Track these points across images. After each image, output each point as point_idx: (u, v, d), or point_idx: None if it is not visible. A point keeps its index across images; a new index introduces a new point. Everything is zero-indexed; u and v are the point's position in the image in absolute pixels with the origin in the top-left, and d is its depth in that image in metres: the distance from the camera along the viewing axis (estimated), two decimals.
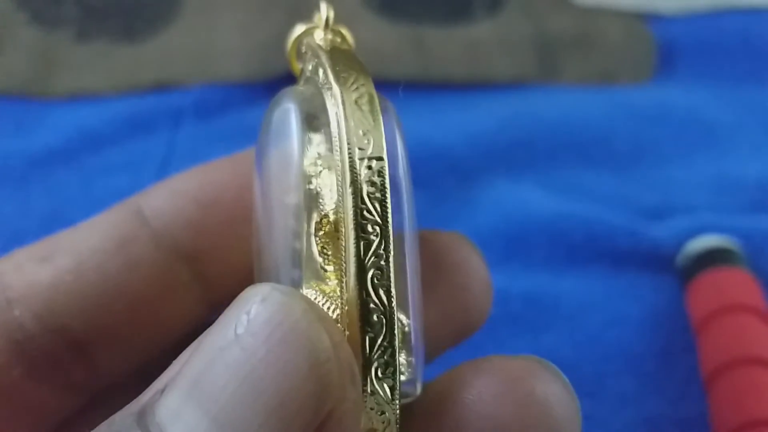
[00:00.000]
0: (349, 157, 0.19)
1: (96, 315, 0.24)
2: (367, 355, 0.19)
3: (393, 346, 0.19)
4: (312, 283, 0.21)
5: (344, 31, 0.24)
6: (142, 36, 0.60)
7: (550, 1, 0.62)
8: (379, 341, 0.19)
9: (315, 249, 0.22)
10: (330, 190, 0.21)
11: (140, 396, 0.18)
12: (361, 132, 0.19)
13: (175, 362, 0.19)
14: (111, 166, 0.51)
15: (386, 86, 0.23)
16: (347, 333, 0.19)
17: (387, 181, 0.19)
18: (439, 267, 0.25)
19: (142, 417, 0.17)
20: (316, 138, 0.22)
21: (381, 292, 0.19)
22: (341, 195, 0.19)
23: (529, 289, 0.45)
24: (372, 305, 0.19)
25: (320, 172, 0.22)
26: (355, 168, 0.19)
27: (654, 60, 0.59)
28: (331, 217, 0.21)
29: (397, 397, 0.20)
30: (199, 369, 0.17)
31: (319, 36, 0.23)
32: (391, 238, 0.19)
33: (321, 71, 0.21)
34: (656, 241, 0.47)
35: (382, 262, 0.19)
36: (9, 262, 0.24)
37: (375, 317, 0.19)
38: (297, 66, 0.25)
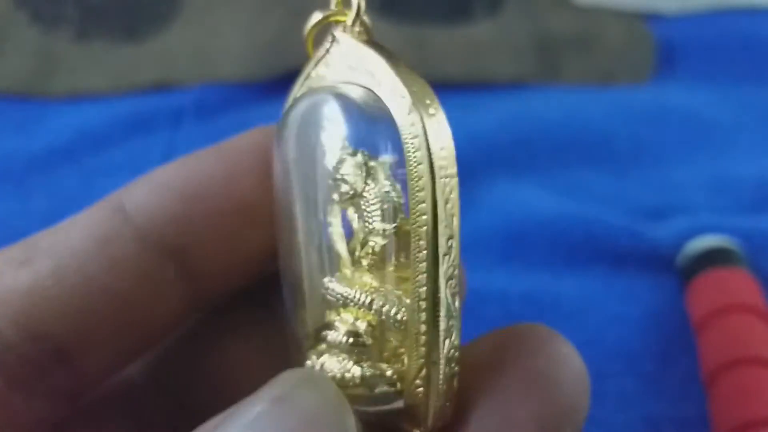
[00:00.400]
0: (431, 172, 0.20)
1: (78, 319, 0.23)
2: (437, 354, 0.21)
3: (458, 348, 0.21)
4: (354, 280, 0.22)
5: (366, 21, 0.23)
6: (142, 36, 0.60)
7: (550, 1, 0.63)
8: (448, 343, 0.21)
9: (340, 246, 0.22)
10: (373, 193, 0.22)
11: None
12: (439, 148, 0.20)
13: (202, 427, 0.19)
14: (111, 165, 0.51)
15: None
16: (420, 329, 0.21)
17: (458, 197, 0.21)
18: (528, 359, 0.22)
19: None
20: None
21: (457, 301, 0.21)
22: (423, 206, 0.20)
23: (529, 289, 0.45)
24: (445, 311, 0.21)
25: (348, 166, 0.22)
26: (436, 183, 0.20)
27: (654, 60, 0.59)
28: (399, 228, 0.22)
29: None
30: None
31: (346, 27, 0.23)
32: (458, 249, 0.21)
33: (385, 82, 0.22)
34: (656, 241, 0.47)
35: (456, 272, 0.21)
36: None
37: (448, 323, 0.21)
38: (312, 51, 0.24)
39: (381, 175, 0.22)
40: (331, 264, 0.22)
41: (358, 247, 0.22)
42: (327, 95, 0.22)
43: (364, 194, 0.22)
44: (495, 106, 0.55)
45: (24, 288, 0.22)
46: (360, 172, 0.22)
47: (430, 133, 0.20)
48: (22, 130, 0.54)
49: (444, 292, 0.21)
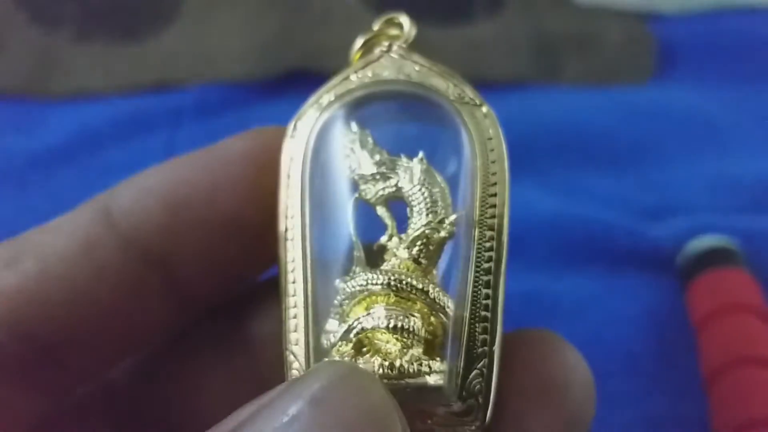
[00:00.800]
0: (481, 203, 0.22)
1: (64, 322, 0.23)
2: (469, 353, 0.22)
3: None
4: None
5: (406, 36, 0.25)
6: (142, 36, 0.60)
7: (549, 1, 0.63)
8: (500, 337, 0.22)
9: (359, 244, 0.22)
10: (416, 196, 0.23)
11: None
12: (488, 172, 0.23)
13: (227, 420, 0.18)
14: (111, 165, 0.51)
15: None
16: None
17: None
18: (539, 367, 0.23)
19: None
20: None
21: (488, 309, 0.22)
22: (493, 199, 0.23)
23: (529, 289, 0.46)
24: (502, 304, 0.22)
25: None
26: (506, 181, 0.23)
27: (654, 60, 0.59)
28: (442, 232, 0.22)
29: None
30: None
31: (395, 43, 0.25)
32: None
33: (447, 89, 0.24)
34: (656, 242, 0.47)
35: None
36: None
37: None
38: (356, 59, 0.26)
39: (418, 170, 0.23)
40: (353, 262, 0.22)
41: (401, 242, 0.22)
42: (359, 99, 0.24)
43: (413, 189, 0.23)
44: (495, 106, 0.54)
45: (10, 289, 0.22)
46: (409, 170, 0.23)
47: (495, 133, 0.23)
48: (22, 130, 0.55)
49: (502, 286, 0.22)
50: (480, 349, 0.22)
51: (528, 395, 0.22)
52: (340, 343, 0.21)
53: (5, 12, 0.61)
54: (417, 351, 0.21)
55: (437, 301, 0.21)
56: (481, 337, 0.22)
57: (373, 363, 0.20)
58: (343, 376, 0.18)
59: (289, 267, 0.23)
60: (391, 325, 0.21)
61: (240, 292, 0.26)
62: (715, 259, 0.45)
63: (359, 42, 0.25)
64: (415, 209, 0.23)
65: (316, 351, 0.22)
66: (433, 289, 0.22)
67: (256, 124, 0.25)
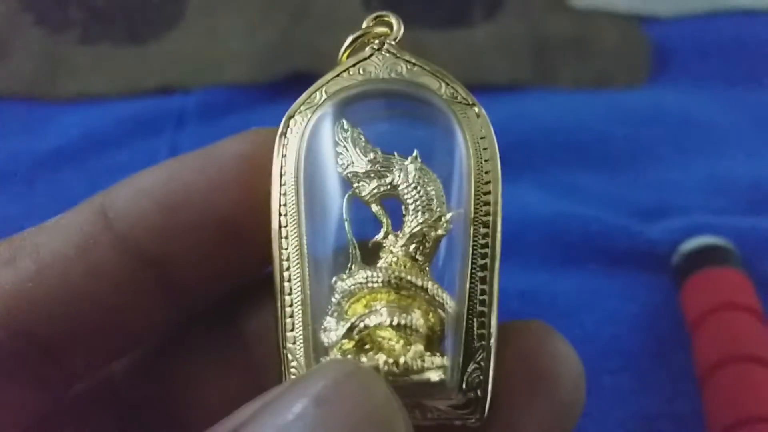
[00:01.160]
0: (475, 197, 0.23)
1: (60, 321, 0.23)
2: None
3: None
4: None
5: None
6: (146, 39, 0.61)
7: (546, 4, 0.63)
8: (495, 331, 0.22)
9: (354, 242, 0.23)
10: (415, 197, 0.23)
11: None
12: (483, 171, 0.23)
13: (231, 418, 0.18)
14: (115, 167, 0.52)
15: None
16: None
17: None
18: (530, 358, 0.23)
19: None
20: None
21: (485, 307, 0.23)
22: (488, 197, 0.23)
23: (526, 288, 0.46)
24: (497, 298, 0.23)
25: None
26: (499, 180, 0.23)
27: (649, 62, 0.59)
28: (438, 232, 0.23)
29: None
30: None
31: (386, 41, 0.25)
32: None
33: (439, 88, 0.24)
34: (651, 241, 0.48)
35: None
36: None
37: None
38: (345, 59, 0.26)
39: (412, 169, 0.23)
40: (349, 260, 0.23)
41: (397, 240, 0.23)
42: (353, 97, 0.24)
43: (409, 187, 0.23)
44: (492, 108, 0.55)
45: (8, 287, 0.23)
46: (402, 167, 0.23)
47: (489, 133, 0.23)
48: (28, 132, 0.55)
49: (497, 281, 0.23)
50: (477, 344, 0.22)
51: (519, 385, 0.23)
52: (342, 341, 0.21)
53: (11, 15, 0.62)
54: (419, 347, 0.21)
55: (436, 297, 0.22)
56: (479, 332, 0.22)
57: (377, 360, 0.21)
58: (348, 374, 0.18)
59: (284, 265, 0.23)
60: (394, 323, 0.21)
61: (234, 289, 0.27)
62: (709, 259, 0.45)
63: (348, 40, 0.25)
64: (410, 207, 0.23)
65: (315, 349, 0.22)
66: (432, 285, 0.22)
67: (259, 126, 0.25)
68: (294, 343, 0.23)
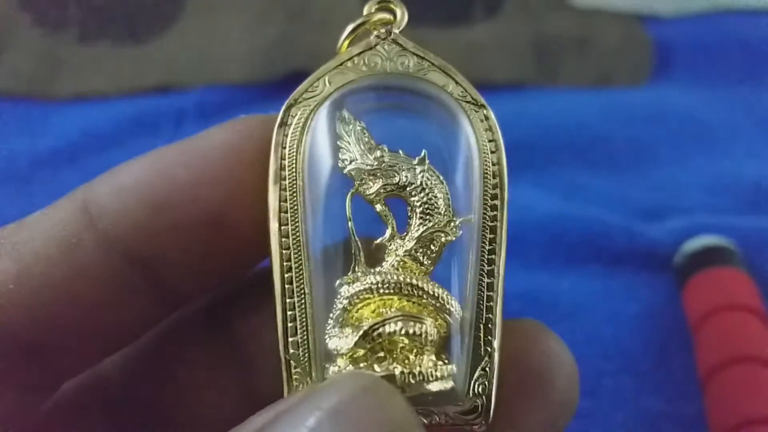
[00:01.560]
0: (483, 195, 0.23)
1: (45, 323, 0.22)
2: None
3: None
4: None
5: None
6: (145, 38, 0.61)
7: (548, 3, 0.63)
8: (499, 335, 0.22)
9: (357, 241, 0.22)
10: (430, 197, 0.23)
11: None
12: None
13: (241, 427, 0.18)
14: (114, 166, 0.51)
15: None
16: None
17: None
18: (524, 358, 0.23)
19: None
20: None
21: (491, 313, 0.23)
22: (496, 202, 0.23)
23: (527, 288, 0.46)
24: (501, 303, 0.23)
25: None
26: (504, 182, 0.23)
27: (651, 62, 0.59)
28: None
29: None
30: None
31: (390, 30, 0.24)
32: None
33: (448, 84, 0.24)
34: (653, 241, 0.48)
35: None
36: None
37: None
38: (345, 47, 0.25)
39: (421, 170, 0.22)
40: (352, 261, 0.22)
41: (403, 243, 0.22)
42: (357, 91, 0.23)
43: (417, 189, 0.22)
44: (493, 107, 0.55)
45: None
46: (410, 165, 0.22)
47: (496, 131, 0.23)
48: (26, 132, 0.55)
49: (501, 288, 0.22)
50: (483, 350, 0.22)
51: (513, 385, 0.23)
52: (353, 349, 0.21)
53: (9, 14, 0.62)
54: (432, 355, 0.21)
55: (446, 305, 0.22)
56: (485, 338, 0.22)
57: (393, 371, 0.20)
58: (366, 388, 0.18)
59: (286, 266, 0.22)
60: (410, 332, 0.21)
61: (224, 287, 0.26)
62: (711, 259, 0.45)
63: (349, 28, 0.24)
64: (417, 210, 0.22)
65: (319, 354, 0.22)
66: (442, 292, 0.22)
67: (246, 116, 0.24)
68: (297, 348, 0.22)
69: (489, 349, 0.22)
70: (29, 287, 0.22)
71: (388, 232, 0.22)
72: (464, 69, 0.24)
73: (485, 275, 0.22)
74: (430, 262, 0.22)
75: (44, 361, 0.23)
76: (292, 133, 0.23)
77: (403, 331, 0.21)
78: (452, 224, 0.22)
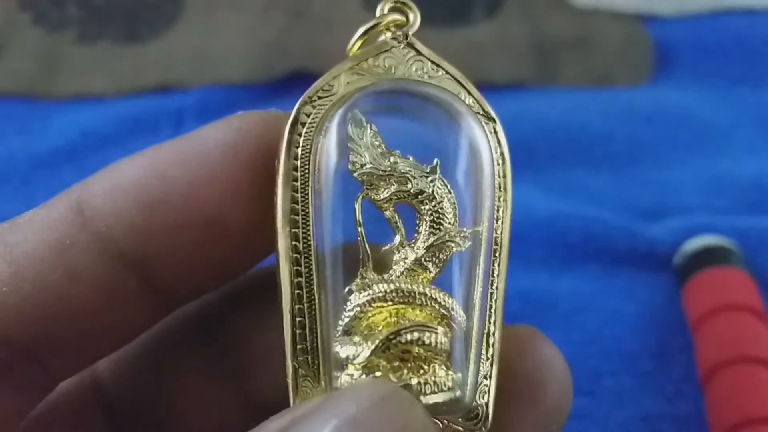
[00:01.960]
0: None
1: (39, 325, 0.22)
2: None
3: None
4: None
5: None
6: (145, 38, 0.61)
7: (547, 2, 0.63)
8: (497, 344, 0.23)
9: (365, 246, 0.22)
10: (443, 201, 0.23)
11: None
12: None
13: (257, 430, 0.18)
14: None
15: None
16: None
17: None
18: (517, 364, 0.23)
19: None
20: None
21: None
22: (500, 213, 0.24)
23: (527, 288, 0.46)
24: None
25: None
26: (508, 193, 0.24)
27: (651, 61, 0.59)
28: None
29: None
30: None
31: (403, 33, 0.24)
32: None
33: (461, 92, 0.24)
34: (653, 241, 0.47)
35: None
36: None
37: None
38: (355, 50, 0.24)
39: (433, 178, 0.22)
40: (358, 265, 0.22)
41: (411, 249, 0.22)
42: (373, 95, 0.23)
43: (428, 197, 0.22)
44: (494, 107, 0.55)
45: None
46: (420, 171, 0.22)
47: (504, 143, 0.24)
48: (26, 131, 0.55)
49: (503, 296, 0.23)
50: (485, 357, 0.23)
51: (506, 391, 0.23)
52: (369, 358, 0.20)
53: (9, 13, 0.62)
54: (445, 365, 0.21)
55: (455, 314, 0.22)
56: (487, 347, 0.23)
57: (410, 380, 0.20)
58: (385, 398, 0.17)
59: (295, 272, 0.21)
60: (426, 341, 0.21)
61: (220, 289, 0.26)
62: (711, 259, 0.45)
63: (361, 30, 0.24)
64: (426, 218, 0.22)
65: (329, 362, 0.21)
66: (452, 302, 0.22)
67: (244, 111, 0.23)
68: (305, 355, 0.21)
69: (491, 357, 0.22)
70: (23, 290, 0.21)
71: (397, 239, 0.22)
72: (463, 69, 0.24)
73: (489, 285, 0.23)
74: (437, 270, 0.22)
75: (37, 362, 0.23)
76: (305, 133, 0.22)
77: (420, 341, 0.21)
78: (462, 234, 0.22)
